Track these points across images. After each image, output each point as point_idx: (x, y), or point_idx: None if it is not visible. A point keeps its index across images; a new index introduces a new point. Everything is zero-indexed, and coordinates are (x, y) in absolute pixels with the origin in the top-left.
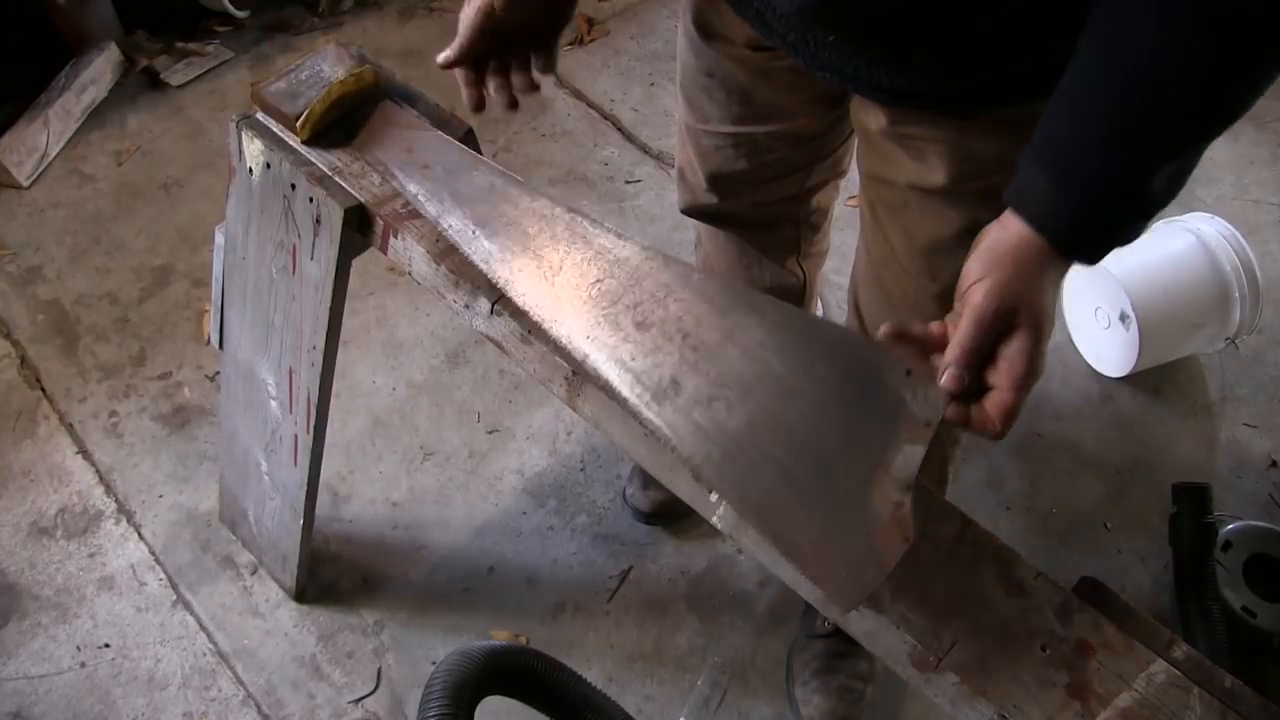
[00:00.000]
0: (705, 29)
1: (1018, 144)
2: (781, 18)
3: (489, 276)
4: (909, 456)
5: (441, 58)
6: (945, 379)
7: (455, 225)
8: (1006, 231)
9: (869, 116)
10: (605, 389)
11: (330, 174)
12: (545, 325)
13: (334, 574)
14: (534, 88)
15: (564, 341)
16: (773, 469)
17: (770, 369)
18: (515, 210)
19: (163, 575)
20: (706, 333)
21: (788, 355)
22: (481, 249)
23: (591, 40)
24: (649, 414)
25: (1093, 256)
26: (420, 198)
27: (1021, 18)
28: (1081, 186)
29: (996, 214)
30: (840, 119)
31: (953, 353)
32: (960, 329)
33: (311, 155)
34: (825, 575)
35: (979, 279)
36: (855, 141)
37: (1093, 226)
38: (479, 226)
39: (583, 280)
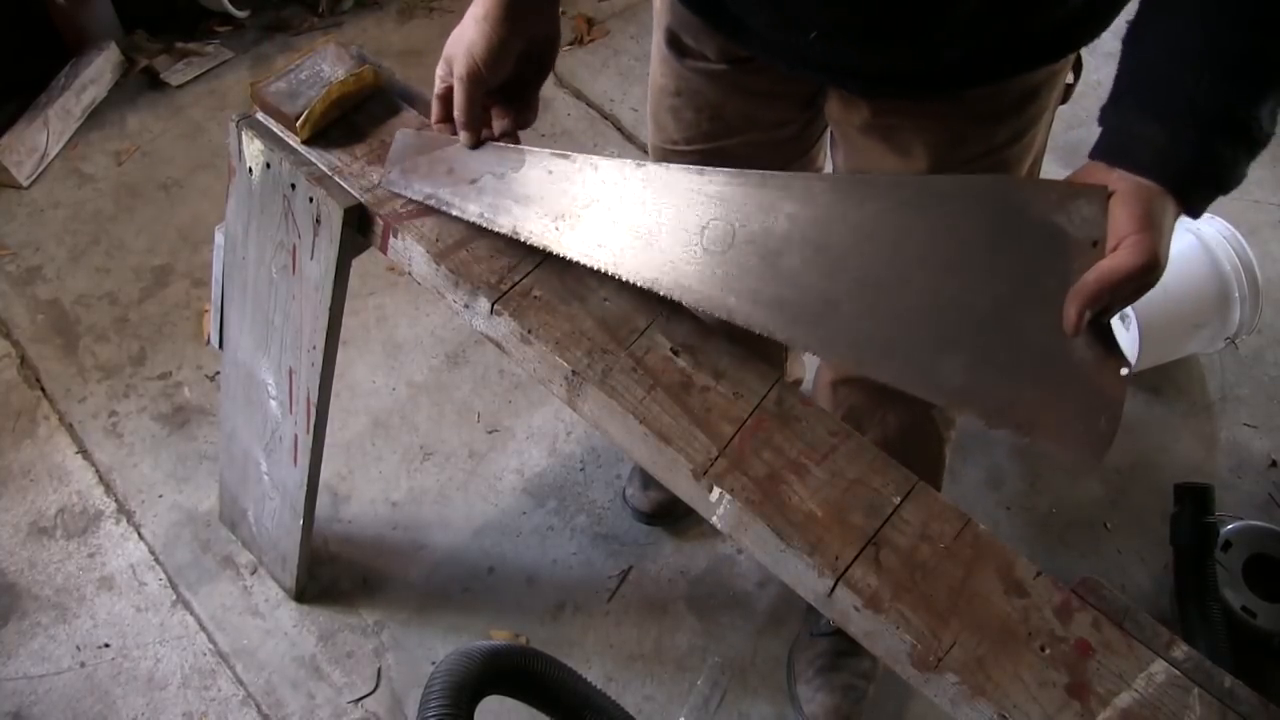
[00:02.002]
0: (677, 45)
1: (999, 124)
2: (765, 23)
3: (593, 268)
4: None
5: (467, 141)
6: (1072, 317)
7: (535, 230)
8: (1126, 185)
9: (849, 113)
10: (765, 333)
11: (330, 174)
12: (675, 295)
13: (334, 574)
14: (514, 137)
15: (702, 304)
16: (962, 351)
17: (915, 250)
18: (585, 189)
19: (162, 575)
20: (836, 237)
21: (927, 230)
22: (572, 242)
23: (591, 40)
24: (816, 346)
25: (1204, 200)
26: (487, 216)
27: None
28: (1196, 126)
29: None
30: (814, 118)
31: (1089, 290)
32: (1105, 270)
33: (311, 155)
34: (1061, 437)
35: (1128, 234)
36: (827, 139)
37: (1208, 166)
38: (558, 220)
39: (688, 233)
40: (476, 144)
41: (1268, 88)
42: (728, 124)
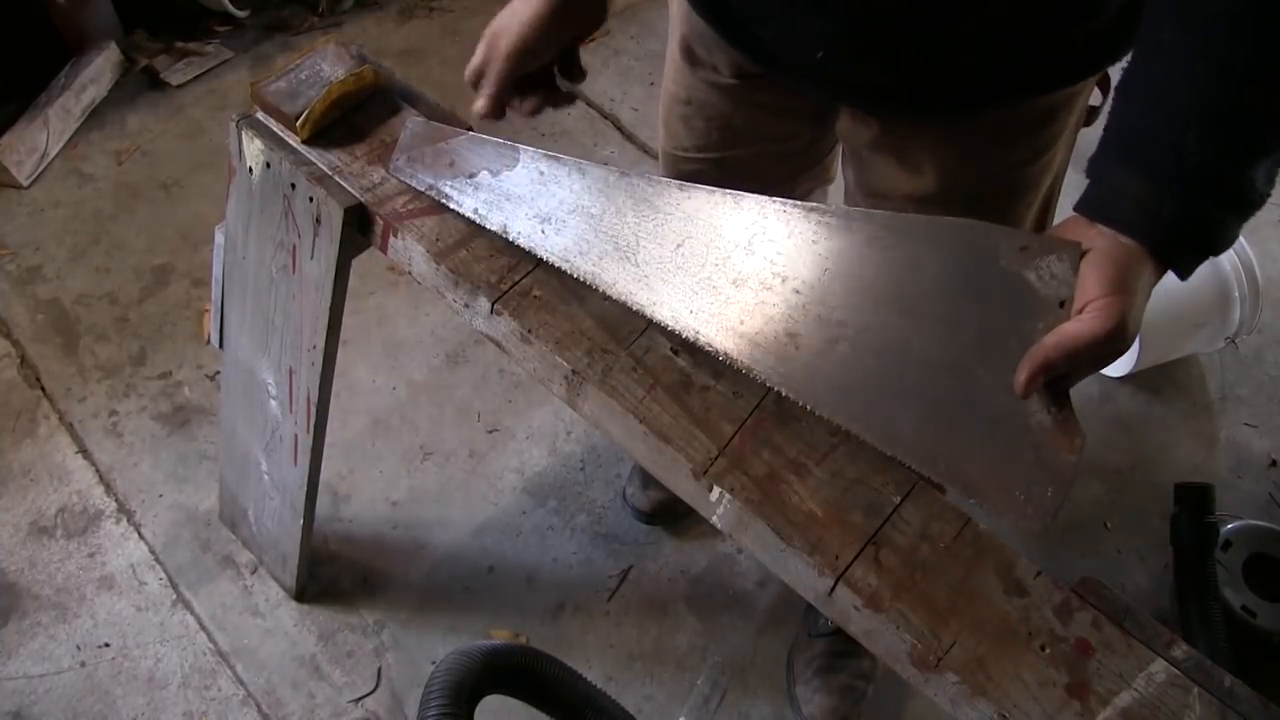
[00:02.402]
0: (690, 55)
1: (1013, 145)
2: (774, 38)
3: (573, 275)
4: None
5: (479, 108)
6: (1022, 381)
7: (524, 230)
8: (1104, 242)
9: (858, 129)
10: (726, 360)
11: (330, 173)
12: (647, 311)
13: (334, 573)
14: (568, 100)
15: (670, 324)
16: (916, 402)
17: (879, 290)
18: (572, 194)
19: (163, 575)
20: (804, 270)
21: (893, 269)
22: (556, 246)
23: (591, 40)
24: (778, 379)
25: (1189, 263)
26: (480, 212)
27: (1008, 16)
28: (1181, 182)
29: (987, 218)
30: (825, 132)
31: (1043, 355)
32: (1064, 337)
33: (311, 155)
34: (1005, 503)
35: (1095, 297)
36: (840, 150)
37: (1194, 226)
38: (544, 223)
39: (663, 249)
40: (500, 115)
41: (1263, 146)
42: (737, 135)
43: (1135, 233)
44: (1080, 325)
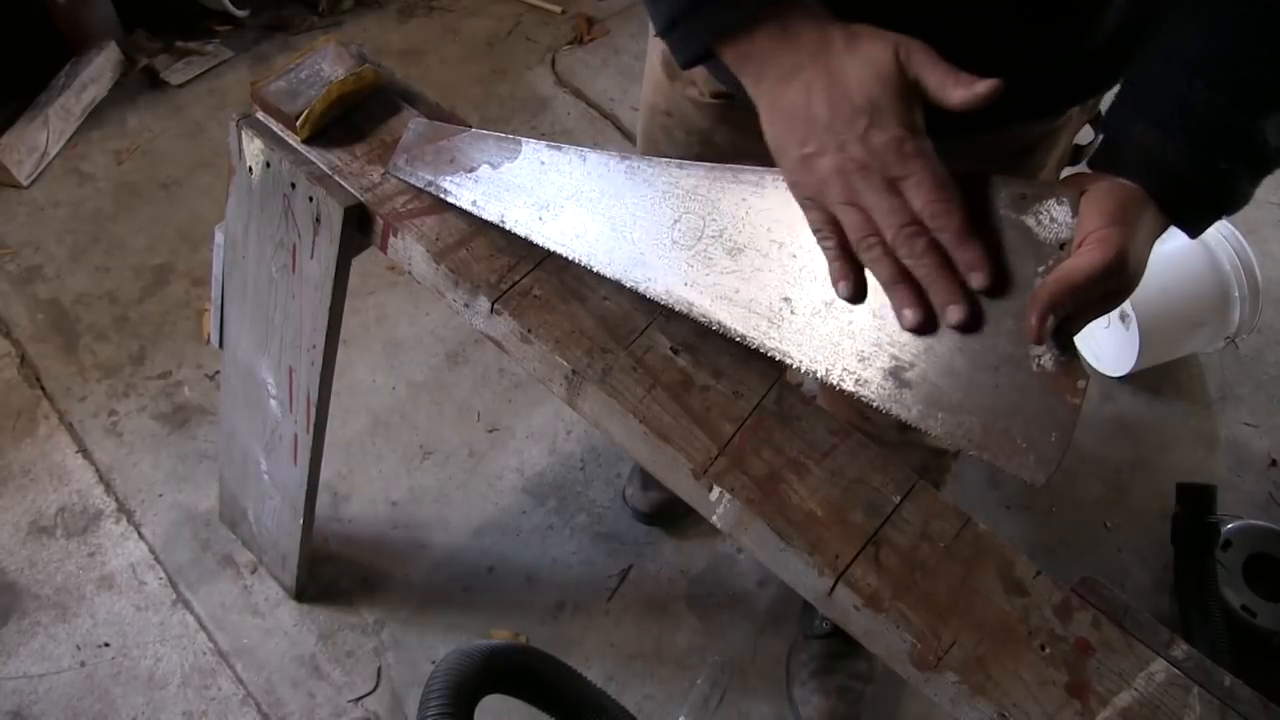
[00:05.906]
0: (669, 68)
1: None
2: None
3: (568, 257)
4: None
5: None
6: (1034, 325)
7: (521, 218)
8: (1104, 182)
9: None
10: (721, 330)
11: (330, 173)
12: (640, 288)
13: (334, 573)
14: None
15: (664, 298)
16: (915, 357)
17: None
18: (572, 180)
19: (162, 574)
20: (801, 234)
21: None
22: (553, 232)
23: (591, 40)
24: (772, 343)
25: (1197, 216)
26: (478, 204)
27: (979, 40)
28: (1185, 131)
29: None
30: None
31: (1047, 292)
32: (1069, 271)
33: (311, 154)
34: (1009, 453)
35: (1093, 230)
36: None
37: (1200, 178)
38: (542, 210)
39: (660, 226)
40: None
41: (1274, 98)
42: (719, 150)
43: (1138, 178)
44: (1079, 259)
